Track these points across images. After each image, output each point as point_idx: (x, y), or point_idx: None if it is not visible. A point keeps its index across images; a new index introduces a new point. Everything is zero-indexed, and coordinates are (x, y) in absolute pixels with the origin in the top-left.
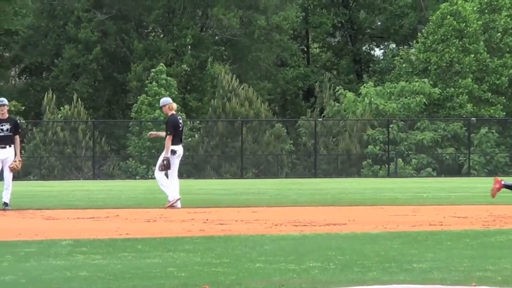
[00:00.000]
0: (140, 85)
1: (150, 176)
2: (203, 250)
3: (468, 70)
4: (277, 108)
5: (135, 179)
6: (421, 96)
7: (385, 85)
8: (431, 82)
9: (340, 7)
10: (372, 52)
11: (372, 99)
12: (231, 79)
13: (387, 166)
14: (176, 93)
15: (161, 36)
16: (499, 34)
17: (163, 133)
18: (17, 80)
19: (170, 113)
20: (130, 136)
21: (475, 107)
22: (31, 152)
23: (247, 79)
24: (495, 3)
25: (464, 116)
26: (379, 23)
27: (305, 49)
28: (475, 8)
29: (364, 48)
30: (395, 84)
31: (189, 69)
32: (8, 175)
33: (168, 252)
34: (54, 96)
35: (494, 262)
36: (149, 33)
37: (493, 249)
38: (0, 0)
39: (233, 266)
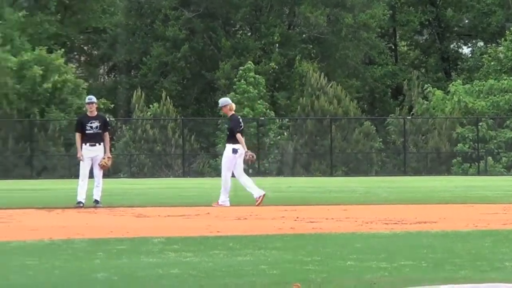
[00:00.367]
0: (229, 83)
1: None
2: (294, 248)
3: None
4: (365, 106)
5: None
6: (510, 94)
7: (474, 83)
8: None
9: (427, 5)
10: (460, 50)
11: (461, 97)
12: (319, 77)
13: (477, 164)
14: (265, 91)
15: (249, 34)
16: None
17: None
18: (106, 78)
19: (230, 113)
20: (219, 134)
21: None
22: (121, 149)
23: (335, 77)
24: None
25: None
26: (466, 21)
27: (393, 47)
28: None
29: (452, 46)
30: (484, 82)
31: (277, 67)
32: (98, 173)
33: (259, 250)
34: (143, 94)
35: None
36: (237, 31)
37: None
38: None
39: (324, 264)
